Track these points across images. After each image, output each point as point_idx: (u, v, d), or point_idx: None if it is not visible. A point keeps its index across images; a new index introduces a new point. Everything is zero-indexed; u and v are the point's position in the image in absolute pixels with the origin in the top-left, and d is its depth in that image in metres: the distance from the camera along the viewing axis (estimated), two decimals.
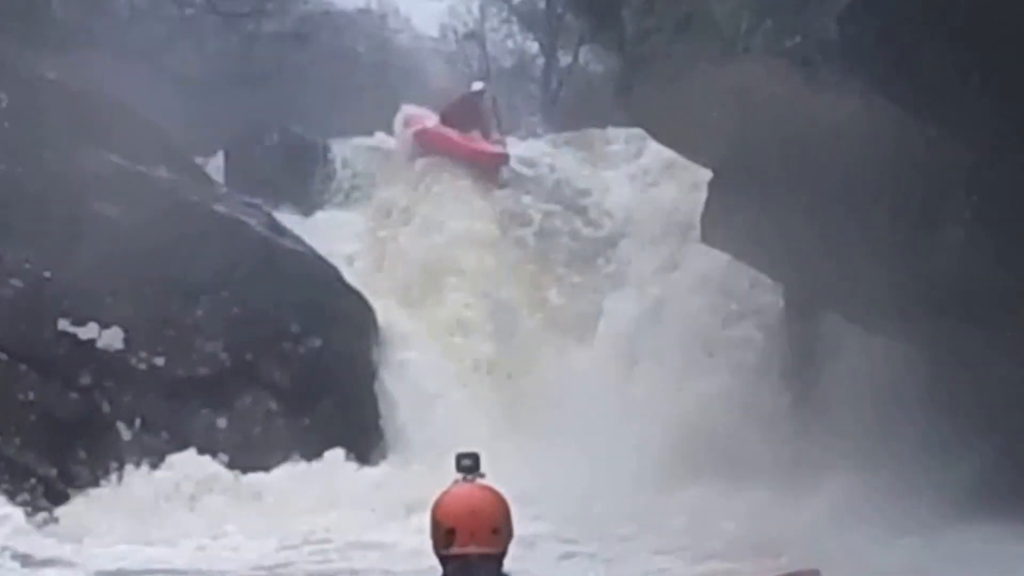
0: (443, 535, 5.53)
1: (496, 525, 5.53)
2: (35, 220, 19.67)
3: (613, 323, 21.67)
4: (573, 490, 17.68)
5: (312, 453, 18.90)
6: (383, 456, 19.41)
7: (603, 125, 24.95)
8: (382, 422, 20.15)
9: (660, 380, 20.20)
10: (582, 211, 23.79)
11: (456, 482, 5.96)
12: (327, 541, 16.34)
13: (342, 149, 25.37)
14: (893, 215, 16.22)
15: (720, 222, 18.69)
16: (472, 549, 5.49)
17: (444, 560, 5.54)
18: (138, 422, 19.24)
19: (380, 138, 25.44)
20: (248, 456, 18.95)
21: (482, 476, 6.25)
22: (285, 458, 18.81)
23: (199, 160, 23.15)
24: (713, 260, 20.19)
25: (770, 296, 20.30)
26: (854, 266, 16.78)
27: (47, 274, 19.50)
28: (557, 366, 21.12)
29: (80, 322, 19.41)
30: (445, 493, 5.64)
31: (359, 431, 19.76)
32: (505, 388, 21.25)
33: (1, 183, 19.84)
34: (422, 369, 21.08)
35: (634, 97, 18.65)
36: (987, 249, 15.42)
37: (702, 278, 21.02)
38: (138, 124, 21.51)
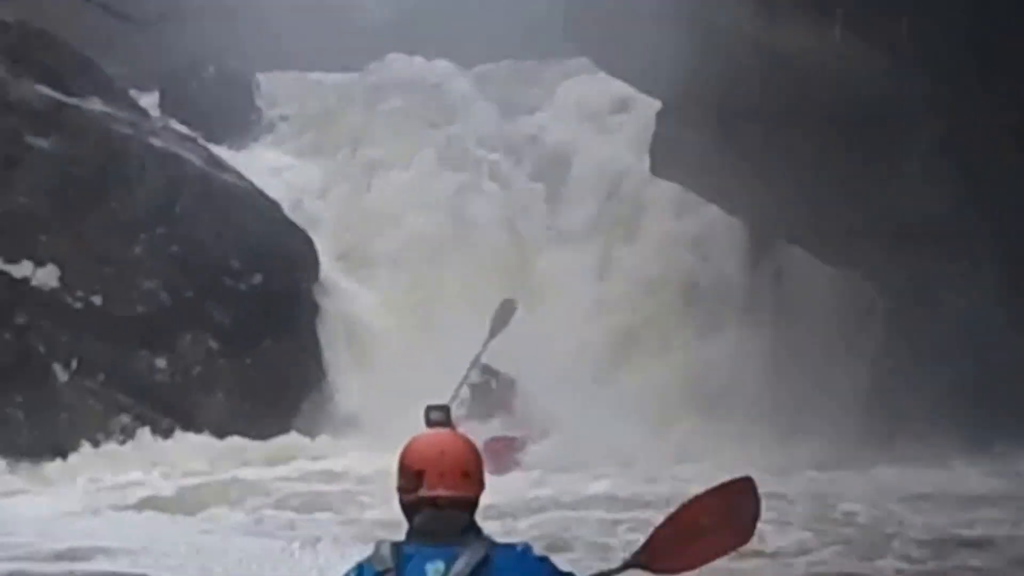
0: (411, 478, 5.32)
1: (467, 469, 5.34)
2: None
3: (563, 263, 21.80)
4: None
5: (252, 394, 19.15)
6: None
7: (550, 56, 24.77)
8: (324, 360, 20.18)
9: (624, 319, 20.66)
10: (526, 145, 23.71)
11: (426, 431, 5.64)
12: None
13: (279, 83, 25.28)
14: (851, 145, 16.53)
15: (670, 153, 19.06)
16: (441, 491, 5.28)
17: (411, 507, 5.31)
18: (75, 363, 19.03)
19: (317, 75, 25.40)
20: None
21: (452, 425, 5.82)
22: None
23: (134, 95, 22.72)
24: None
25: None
26: (811, 196, 17.38)
27: None
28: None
29: (14, 260, 19.10)
30: (414, 439, 5.39)
31: (300, 371, 19.81)
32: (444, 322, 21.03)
33: None
34: (364, 307, 21.08)
35: (578, 26, 19.20)
36: (946, 178, 15.91)
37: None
38: (71, 57, 21.16)
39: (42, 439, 18.83)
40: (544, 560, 5.44)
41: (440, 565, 5.17)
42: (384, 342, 20.64)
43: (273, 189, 22.00)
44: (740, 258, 20.81)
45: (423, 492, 5.24)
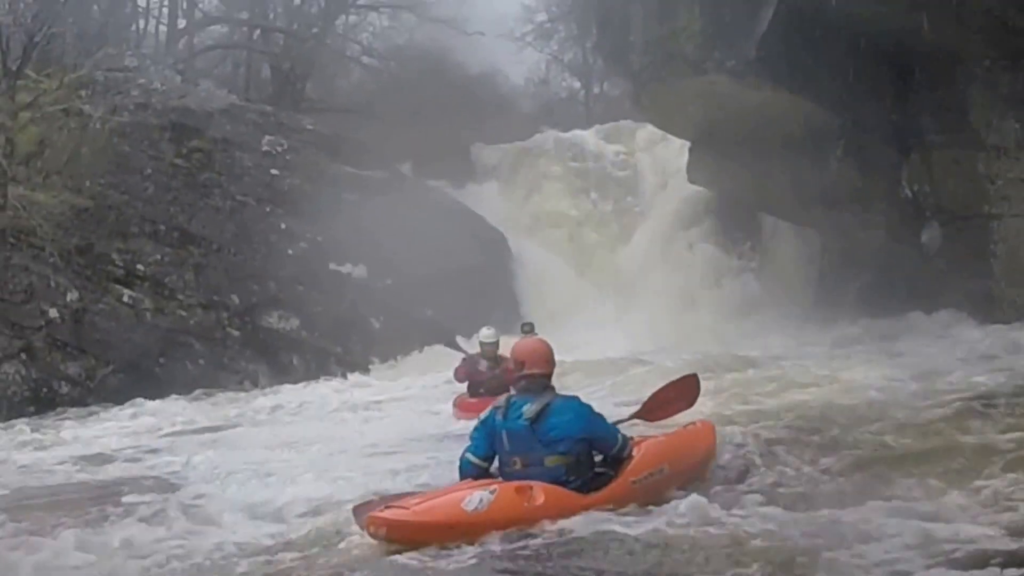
0: (517, 363, 6.96)
1: (547, 358, 7.05)
2: (309, 206, 23.40)
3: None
4: None
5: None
6: None
7: (624, 119, 30.53)
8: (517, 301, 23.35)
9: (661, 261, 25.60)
10: (614, 167, 29.67)
11: (522, 336, 8.38)
12: None
13: (486, 151, 30.47)
14: (798, 154, 20.04)
15: (697, 168, 23.55)
16: (535, 371, 6.98)
17: (517, 380, 6.97)
18: (382, 317, 23.03)
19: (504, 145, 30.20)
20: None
21: (536, 334, 9.50)
22: None
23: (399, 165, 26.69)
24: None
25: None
26: (779, 184, 20.93)
27: (320, 238, 23.33)
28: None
29: (341, 263, 23.20)
30: (517, 342, 7.14)
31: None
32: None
33: (290, 191, 23.79)
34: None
35: (641, 102, 22.74)
36: (853, 170, 19.57)
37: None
38: (358, 145, 25.72)
39: (362, 361, 22.02)
40: (588, 407, 7.06)
41: (528, 406, 6.91)
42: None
43: (478, 208, 26.52)
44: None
45: (524, 371, 6.98)
